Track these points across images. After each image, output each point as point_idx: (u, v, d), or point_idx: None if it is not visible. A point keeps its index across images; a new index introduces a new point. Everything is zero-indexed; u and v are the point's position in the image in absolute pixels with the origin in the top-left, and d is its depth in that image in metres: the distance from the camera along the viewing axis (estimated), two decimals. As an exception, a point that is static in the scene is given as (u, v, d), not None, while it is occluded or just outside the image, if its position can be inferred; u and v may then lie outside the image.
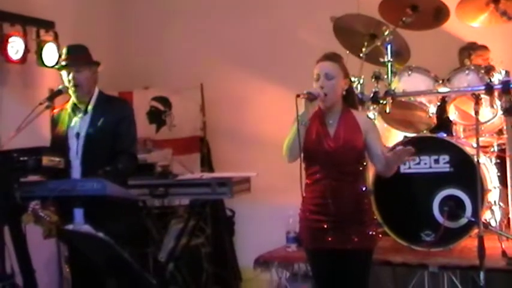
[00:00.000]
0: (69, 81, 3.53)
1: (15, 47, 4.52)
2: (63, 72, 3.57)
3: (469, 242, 3.88)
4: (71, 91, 3.55)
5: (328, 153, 3.06)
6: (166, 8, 5.80)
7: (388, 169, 3.10)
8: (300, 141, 2.96)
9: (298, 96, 2.98)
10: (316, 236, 3.09)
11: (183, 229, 4.31)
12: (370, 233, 3.11)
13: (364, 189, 3.15)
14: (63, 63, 3.58)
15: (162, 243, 4.53)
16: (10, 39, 4.48)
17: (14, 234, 3.08)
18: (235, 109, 5.55)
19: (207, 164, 5.39)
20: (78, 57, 3.56)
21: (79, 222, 3.31)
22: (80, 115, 3.57)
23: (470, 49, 4.71)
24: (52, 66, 4.68)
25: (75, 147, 3.51)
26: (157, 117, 5.43)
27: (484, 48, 4.74)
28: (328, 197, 3.06)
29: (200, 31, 5.66)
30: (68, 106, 3.63)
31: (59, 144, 3.55)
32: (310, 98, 3.00)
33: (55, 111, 3.67)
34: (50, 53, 4.75)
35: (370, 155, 3.12)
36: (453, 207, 3.87)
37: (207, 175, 4.37)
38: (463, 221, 3.87)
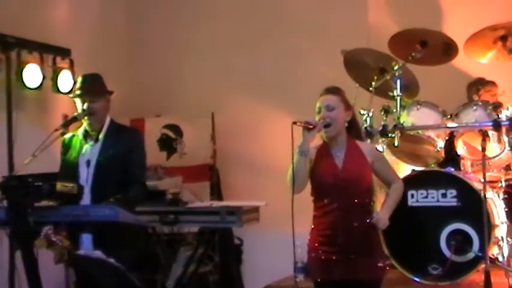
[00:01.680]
0: (83, 110, 3.59)
1: (32, 73, 4.61)
2: (78, 100, 3.64)
3: (476, 277, 3.88)
4: (84, 119, 3.63)
5: (338, 186, 3.10)
6: (179, 38, 5.91)
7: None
8: (302, 170, 3.02)
9: (294, 123, 3.03)
10: (325, 267, 3.12)
11: (192, 256, 4.34)
12: (379, 264, 3.14)
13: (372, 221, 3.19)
14: (78, 92, 3.64)
15: (171, 270, 4.55)
16: (27, 66, 4.58)
17: (26, 259, 3.10)
18: (245, 138, 5.60)
19: (216, 192, 5.44)
20: (92, 87, 3.63)
21: (87, 248, 3.36)
22: (91, 143, 3.62)
23: (478, 84, 4.79)
24: (67, 93, 4.77)
25: (85, 175, 3.56)
26: (168, 144, 5.48)
27: (492, 83, 4.80)
28: (338, 228, 3.09)
29: (212, 61, 5.75)
30: (80, 133, 3.68)
31: (69, 170, 3.61)
32: (308, 127, 3.06)
33: (66, 136, 3.72)
34: (66, 80, 4.84)
35: (383, 181, 3.24)
36: (460, 241, 3.88)
37: (216, 203, 4.41)
38: (470, 255, 3.88)
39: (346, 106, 3.19)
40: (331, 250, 3.09)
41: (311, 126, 3.06)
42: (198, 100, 5.64)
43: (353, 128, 3.24)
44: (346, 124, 3.19)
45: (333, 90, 3.20)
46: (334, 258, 3.08)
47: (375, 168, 3.18)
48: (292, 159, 3.03)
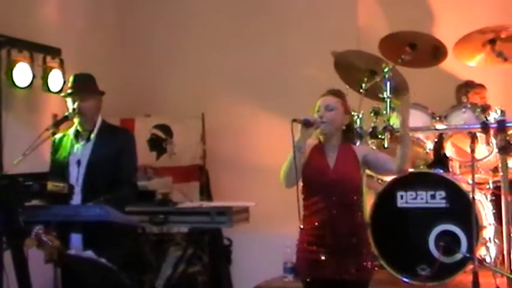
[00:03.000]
0: (73, 109, 3.60)
1: (23, 72, 4.58)
2: (68, 100, 3.65)
3: (464, 278, 3.92)
4: (75, 119, 3.63)
5: (328, 185, 3.12)
6: (169, 37, 5.90)
7: (404, 155, 3.13)
8: (297, 166, 3.03)
9: (294, 120, 3.07)
10: (313, 267, 3.13)
11: (181, 257, 4.34)
12: (367, 265, 3.15)
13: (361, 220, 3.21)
14: (69, 91, 3.65)
15: (160, 271, 4.55)
16: (17, 65, 4.55)
17: (16, 259, 3.08)
18: (235, 139, 5.62)
19: (206, 192, 5.44)
20: (83, 87, 3.63)
21: (77, 248, 3.35)
22: (82, 142, 3.63)
23: (468, 87, 4.83)
24: (57, 92, 4.76)
25: (76, 174, 3.56)
26: (158, 145, 5.46)
27: (481, 86, 4.85)
28: (326, 228, 3.11)
29: (203, 61, 5.75)
30: (71, 132, 3.69)
31: (59, 169, 3.61)
32: (306, 124, 3.09)
33: (56, 136, 3.73)
34: (56, 79, 4.82)
35: (380, 165, 3.20)
36: (449, 242, 3.92)
37: (206, 204, 4.42)
38: (458, 256, 3.92)
39: (346, 110, 3.23)
40: (320, 250, 3.10)
41: (309, 124, 3.10)
42: (188, 100, 5.64)
43: (349, 132, 3.27)
44: (344, 127, 3.23)
45: (335, 93, 3.25)
46: (322, 258, 3.09)
47: (368, 160, 3.18)
48: (294, 156, 3.02)
